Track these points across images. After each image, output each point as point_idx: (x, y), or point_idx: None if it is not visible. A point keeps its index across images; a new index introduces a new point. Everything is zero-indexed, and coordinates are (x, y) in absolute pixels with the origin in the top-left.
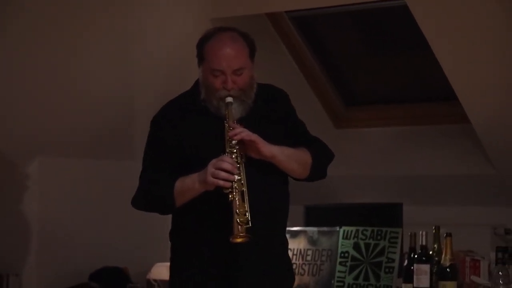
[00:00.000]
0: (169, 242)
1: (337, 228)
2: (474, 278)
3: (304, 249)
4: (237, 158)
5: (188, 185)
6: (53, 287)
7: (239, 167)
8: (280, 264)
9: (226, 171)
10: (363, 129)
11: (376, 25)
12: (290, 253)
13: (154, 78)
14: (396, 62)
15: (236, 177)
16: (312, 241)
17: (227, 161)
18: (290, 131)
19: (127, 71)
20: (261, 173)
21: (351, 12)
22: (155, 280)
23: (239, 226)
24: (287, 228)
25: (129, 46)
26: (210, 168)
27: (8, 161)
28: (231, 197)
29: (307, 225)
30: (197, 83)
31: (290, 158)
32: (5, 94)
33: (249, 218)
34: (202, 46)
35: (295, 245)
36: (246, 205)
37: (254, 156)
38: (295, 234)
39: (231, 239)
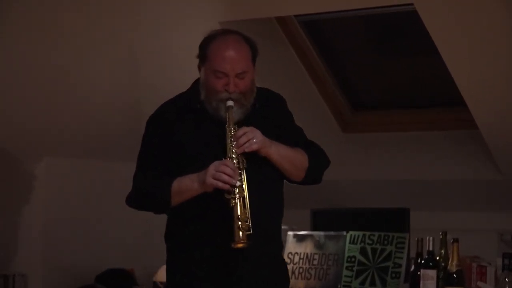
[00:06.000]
0: (165, 244)
1: (344, 233)
2: (480, 284)
3: (310, 253)
4: (238, 164)
5: (186, 185)
6: None
7: (240, 173)
8: (276, 268)
9: (227, 175)
10: (371, 133)
11: (385, 30)
12: (297, 257)
13: (161, 79)
14: (404, 67)
15: (238, 183)
16: (319, 246)
17: (230, 167)
18: (287, 136)
19: (134, 73)
20: (260, 178)
21: (360, 16)
22: (161, 283)
23: (241, 233)
24: (294, 232)
25: (136, 48)
26: (211, 170)
27: (15, 161)
28: (233, 202)
29: (314, 229)
30: (195, 84)
31: (286, 158)
32: (13, 95)
33: (250, 224)
34: (206, 46)
35: (301, 249)
36: (247, 212)
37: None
38: (301, 238)
39: (232, 245)
